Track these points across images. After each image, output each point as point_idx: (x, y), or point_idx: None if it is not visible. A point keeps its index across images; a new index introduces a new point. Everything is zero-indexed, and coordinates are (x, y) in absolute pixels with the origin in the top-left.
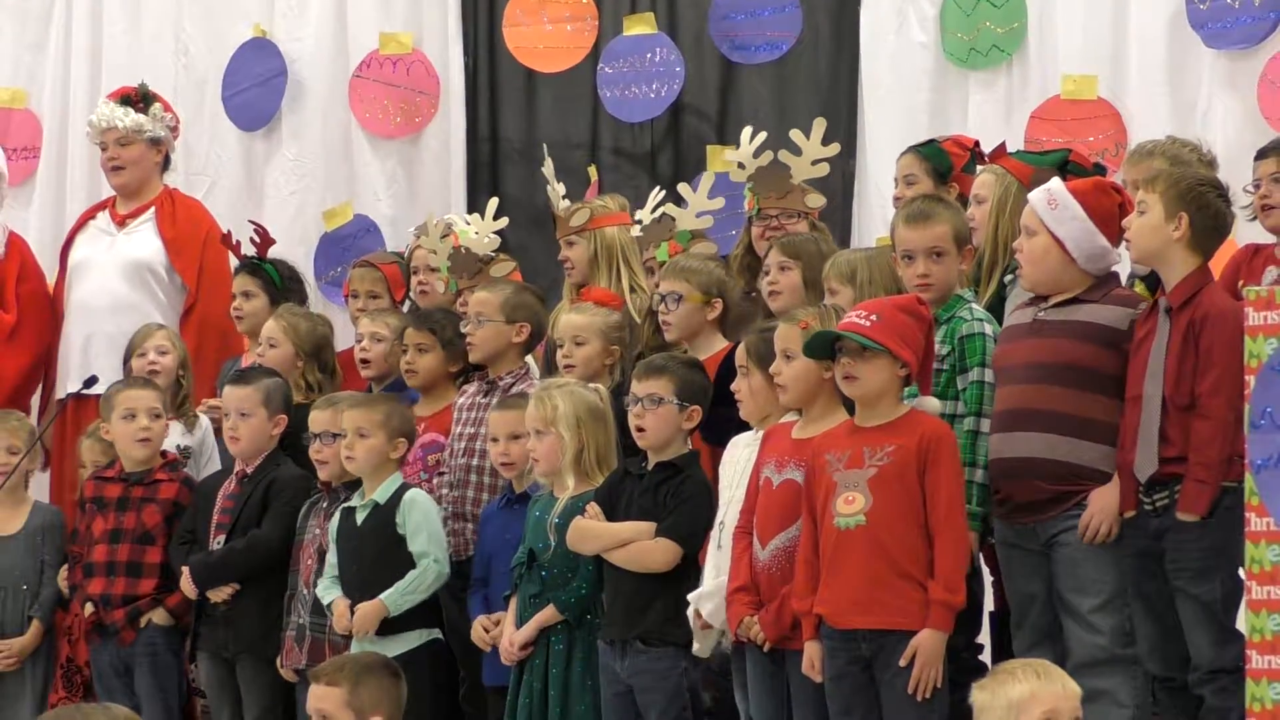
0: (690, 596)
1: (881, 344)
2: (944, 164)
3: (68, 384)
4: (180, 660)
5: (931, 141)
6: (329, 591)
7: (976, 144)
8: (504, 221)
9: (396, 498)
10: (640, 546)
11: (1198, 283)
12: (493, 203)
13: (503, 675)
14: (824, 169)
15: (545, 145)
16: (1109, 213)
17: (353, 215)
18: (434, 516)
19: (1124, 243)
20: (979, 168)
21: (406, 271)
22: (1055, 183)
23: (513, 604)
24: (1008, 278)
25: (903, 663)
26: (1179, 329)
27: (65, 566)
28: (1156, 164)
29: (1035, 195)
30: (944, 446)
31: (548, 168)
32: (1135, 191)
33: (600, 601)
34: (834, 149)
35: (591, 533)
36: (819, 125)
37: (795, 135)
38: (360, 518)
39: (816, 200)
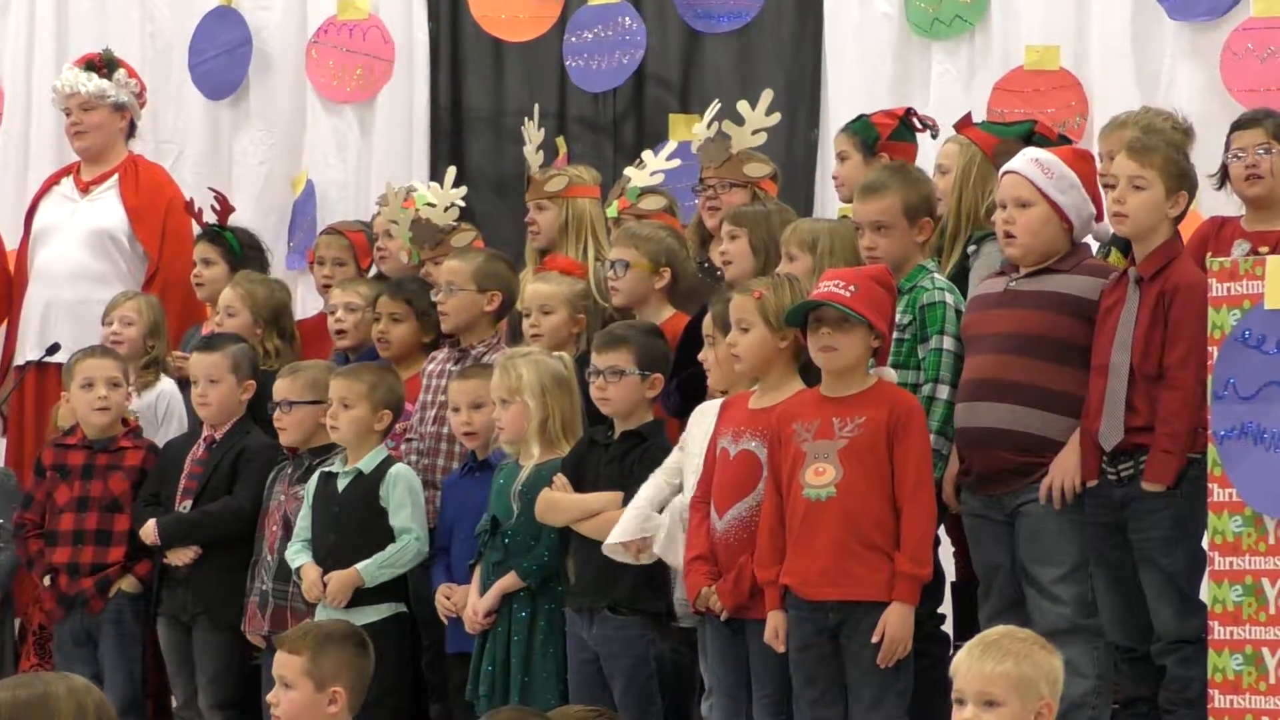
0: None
1: (862, 315)
2: (870, 135)
3: (27, 350)
4: (144, 628)
5: (861, 116)
6: (299, 555)
7: (907, 111)
8: (463, 190)
9: (381, 470)
10: (607, 518)
11: (1169, 254)
12: (450, 171)
13: (465, 643)
14: (762, 138)
15: (536, 107)
16: (1092, 181)
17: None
18: (418, 493)
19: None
20: (931, 138)
21: (372, 239)
22: (1040, 151)
23: (477, 572)
24: (970, 248)
25: (875, 639)
26: (1149, 299)
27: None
28: (1129, 134)
29: (1022, 165)
30: (913, 419)
31: (532, 128)
32: (1109, 163)
33: (563, 568)
34: (775, 119)
35: (560, 505)
36: (766, 96)
37: (741, 106)
38: (341, 485)
39: (758, 169)
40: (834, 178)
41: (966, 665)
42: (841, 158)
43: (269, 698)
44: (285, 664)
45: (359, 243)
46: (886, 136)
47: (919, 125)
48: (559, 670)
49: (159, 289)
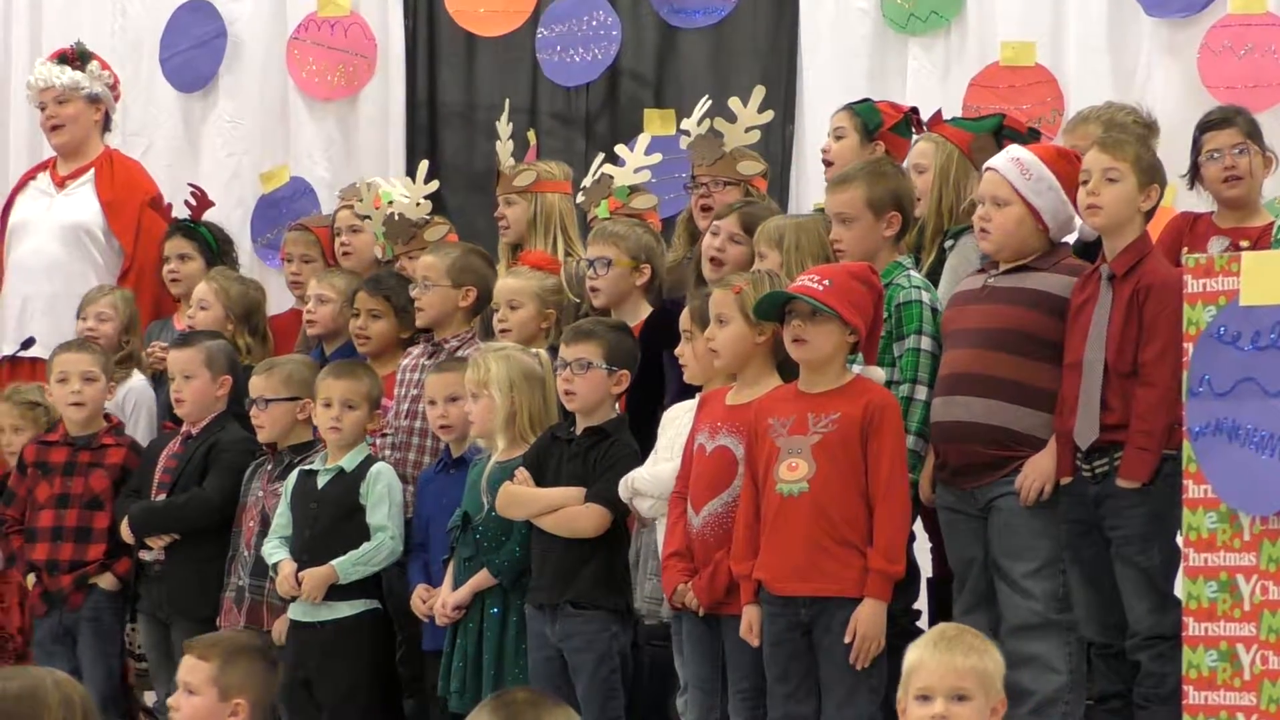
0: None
1: (833, 308)
2: (874, 121)
3: (3, 345)
4: (122, 625)
5: (867, 100)
6: (277, 551)
7: (913, 109)
8: (434, 185)
9: (363, 468)
10: (569, 512)
11: (1140, 250)
12: (423, 166)
13: (441, 640)
14: (755, 136)
15: (507, 102)
16: (1074, 181)
17: (289, 178)
18: (397, 492)
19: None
20: (915, 136)
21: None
22: (1022, 150)
23: (450, 567)
24: (948, 243)
25: (847, 639)
26: (1122, 297)
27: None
28: (1092, 129)
29: (1002, 164)
30: (887, 415)
31: (504, 123)
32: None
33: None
34: (768, 116)
35: (520, 499)
36: (758, 93)
37: (733, 103)
38: (322, 482)
39: (750, 167)
40: (824, 152)
41: (934, 659)
42: (838, 135)
43: (170, 701)
44: (192, 669)
45: (326, 238)
46: (889, 127)
47: (918, 125)
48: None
49: (133, 283)
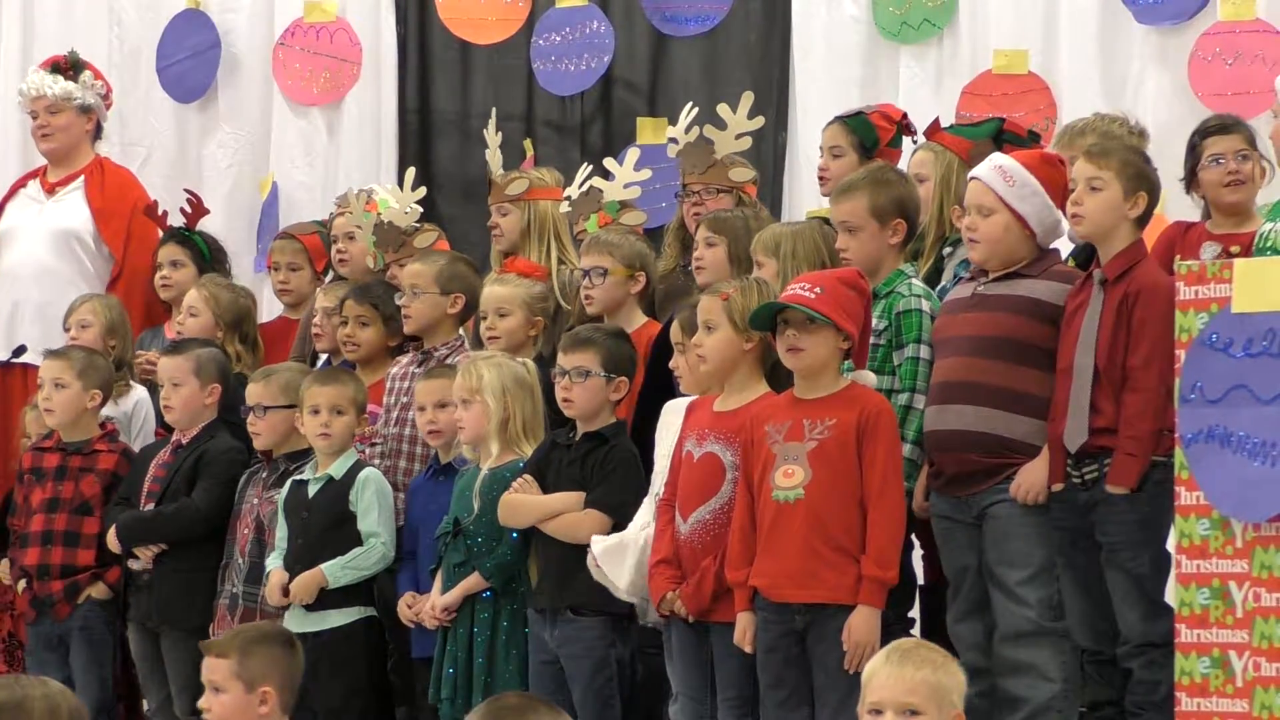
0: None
1: (827, 316)
2: (870, 137)
3: None
4: (114, 633)
5: (859, 113)
6: (273, 564)
7: (904, 116)
8: (422, 192)
9: (351, 475)
10: (569, 519)
11: (1134, 256)
12: (410, 173)
13: (430, 648)
14: (746, 143)
15: (494, 110)
16: (1060, 186)
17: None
18: (388, 497)
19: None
20: (913, 145)
21: (328, 241)
22: (1005, 158)
23: (439, 575)
24: (946, 250)
25: (846, 648)
26: (1113, 301)
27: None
28: (1089, 141)
29: (985, 173)
30: (882, 421)
31: (491, 132)
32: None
33: (525, 569)
34: (758, 122)
35: (522, 507)
36: (746, 99)
37: (722, 110)
38: (312, 491)
39: (742, 174)
40: (822, 170)
41: (885, 673)
42: (835, 153)
43: (200, 703)
44: (214, 668)
45: (313, 246)
46: (886, 142)
47: (909, 130)
48: (521, 671)
49: (123, 290)
